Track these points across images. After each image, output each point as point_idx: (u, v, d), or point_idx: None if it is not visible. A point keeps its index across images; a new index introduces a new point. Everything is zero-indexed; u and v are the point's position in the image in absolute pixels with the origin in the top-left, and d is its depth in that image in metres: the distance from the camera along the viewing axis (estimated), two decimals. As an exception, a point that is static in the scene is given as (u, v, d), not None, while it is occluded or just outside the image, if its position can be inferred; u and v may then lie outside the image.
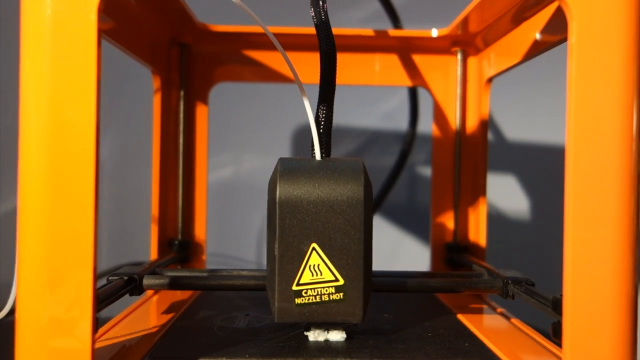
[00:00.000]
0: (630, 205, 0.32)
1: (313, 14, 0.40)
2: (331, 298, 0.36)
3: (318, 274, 0.36)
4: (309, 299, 0.36)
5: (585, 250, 0.32)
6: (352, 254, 0.36)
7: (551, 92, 0.84)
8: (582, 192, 0.32)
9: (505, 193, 0.86)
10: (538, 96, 0.85)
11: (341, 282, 0.36)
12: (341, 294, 0.36)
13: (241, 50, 0.61)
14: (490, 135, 0.60)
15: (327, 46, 0.40)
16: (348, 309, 0.36)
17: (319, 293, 0.36)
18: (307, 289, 0.36)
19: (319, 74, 0.39)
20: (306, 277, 0.36)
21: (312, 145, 0.39)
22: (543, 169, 0.86)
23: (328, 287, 0.36)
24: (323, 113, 0.39)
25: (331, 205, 0.36)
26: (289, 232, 0.36)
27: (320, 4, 0.41)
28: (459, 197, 0.60)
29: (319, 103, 0.40)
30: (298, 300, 0.36)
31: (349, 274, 0.36)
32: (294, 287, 0.36)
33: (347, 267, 0.36)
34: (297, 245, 0.36)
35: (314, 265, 0.36)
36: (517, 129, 0.86)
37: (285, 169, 0.37)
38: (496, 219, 0.85)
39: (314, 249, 0.36)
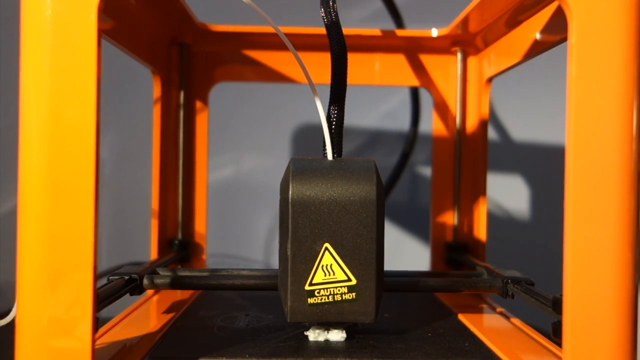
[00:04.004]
0: (630, 205, 0.32)
1: (323, 14, 0.40)
2: (344, 298, 0.36)
3: (331, 274, 0.36)
4: (321, 299, 0.36)
5: (585, 250, 0.32)
6: (365, 254, 0.36)
7: (551, 92, 0.84)
8: (582, 192, 0.32)
9: (506, 192, 0.86)
10: (538, 95, 0.85)
11: (354, 282, 0.36)
12: (354, 294, 0.36)
13: (241, 50, 0.61)
14: (490, 135, 0.60)
15: (338, 47, 0.39)
16: (361, 308, 0.36)
17: (332, 293, 0.36)
18: (319, 289, 0.36)
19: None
20: (319, 277, 0.36)
21: (324, 145, 0.39)
22: (544, 168, 0.86)
23: (341, 287, 0.36)
24: (334, 113, 0.39)
25: (344, 205, 0.36)
26: (301, 232, 0.36)
27: (331, 4, 0.40)
28: (459, 196, 0.60)
29: (330, 103, 0.40)
30: (311, 300, 0.36)
31: (362, 273, 0.36)
32: (307, 287, 0.36)
33: (359, 267, 0.36)
34: (310, 245, 0.36)
35: (327, 265, 0.36)
36: (518, 128, 0.86)
37: (298, 169, 0.37)
38: (496, 219, 0.85)
39: (326, 249, 0.36)
